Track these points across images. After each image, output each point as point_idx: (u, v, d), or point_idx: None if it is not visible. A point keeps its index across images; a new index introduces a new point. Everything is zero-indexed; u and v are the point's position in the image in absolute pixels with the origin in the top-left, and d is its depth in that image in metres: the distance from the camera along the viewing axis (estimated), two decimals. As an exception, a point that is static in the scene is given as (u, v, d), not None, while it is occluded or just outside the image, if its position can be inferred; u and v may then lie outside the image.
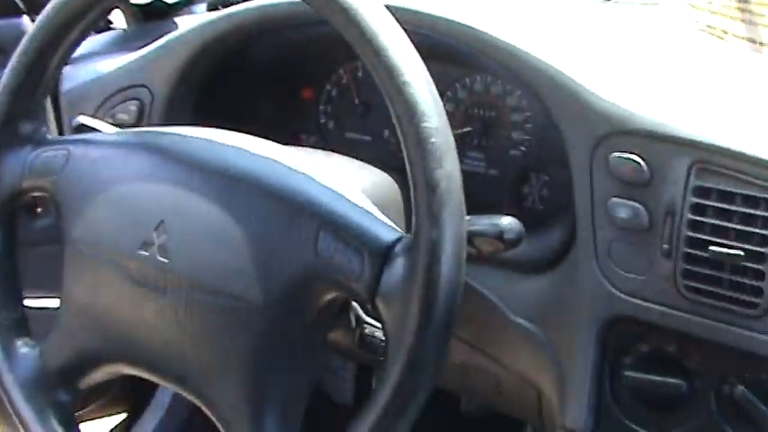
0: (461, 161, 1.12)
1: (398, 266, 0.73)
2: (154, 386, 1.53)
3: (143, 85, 1.18)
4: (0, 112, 0.92)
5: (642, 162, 0.86)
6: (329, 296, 0.78)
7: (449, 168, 0.71)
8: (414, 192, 0.71)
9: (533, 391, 1.04)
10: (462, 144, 1.13)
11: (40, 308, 1.38)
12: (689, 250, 0.84)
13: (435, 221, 0.70)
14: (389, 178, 1.02)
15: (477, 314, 1.03)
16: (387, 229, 0.76)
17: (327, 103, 1.25)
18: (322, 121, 1.26)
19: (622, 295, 0.89)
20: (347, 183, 0.81)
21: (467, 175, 1.11)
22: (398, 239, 0.74)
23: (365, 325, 0.89)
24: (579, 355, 0.93)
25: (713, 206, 0.83)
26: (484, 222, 0.79)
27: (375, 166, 1.05)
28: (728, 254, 0.81)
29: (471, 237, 0.78)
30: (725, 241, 0.82)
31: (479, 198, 1.09)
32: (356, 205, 0.77)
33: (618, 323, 0.91)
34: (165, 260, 0.82)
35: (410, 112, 0.71)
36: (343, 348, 0.94)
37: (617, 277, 0.89)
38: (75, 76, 1.26)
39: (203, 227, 0.81)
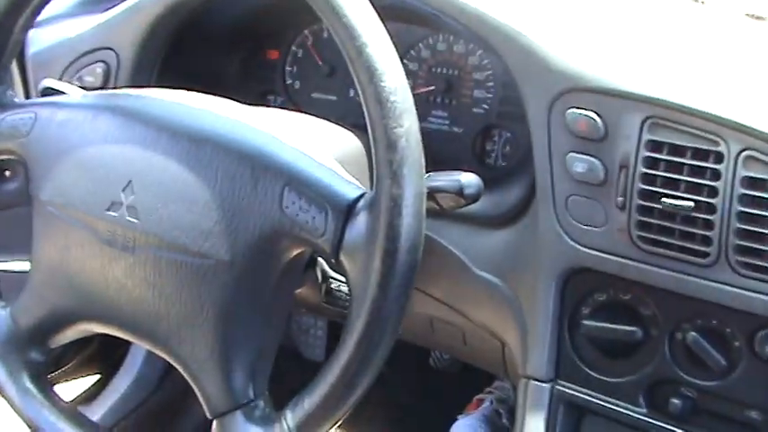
0: (426, 119, 1.15)
1: (361, 222, 0.75)
2: (126, 348, 1.54)
3: (109, 48, 1.19)
4: None
5: (597, 118, 0.88)
6: (294, 252, 0.80)
7: (408, 126, 0.73)
8: (374, 149, 0.73)
9: (497, 342, 1.07)
10: (426, 103, 1.15)
11: (10, 270, 1.39)
12: (642, 202, 0.87)
13: (396, 178, 0.72)
14: (354, 137, 1.04)
15: (443, 269, 1.06)
16: (349, 186, 0.78)
17: (293, 63, 1.26)
18: (288, 81, 1.27)
19: (580, 247, 0.92)
20: (311, 141, 0.83)
21: (431, 133, 1.14)
22: (360, 196, 0.76)
23: (331, 280, 0.91)
24: (540, 306, 0.96)
25: (665, 159, 0.85)
26: (444, 178, 0.81)
27: (341, 124, 1.07)
28: (679, 205, 0.84)
29: (432, 193, 0.80)
30: (676, 193, 0.85)
31: (443, 155, 1.11)
32: (320, 163, 0.79)
33: (576, 274, 0.94)
34: (134, 220, 0.83)
35: (369, 72, 0.73)
36: (311, 304, 0.96)
37: (574, 230, 0.92)
38: (41, 38, 1.26)
39: (170, 187, 0.82)
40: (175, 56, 1.20)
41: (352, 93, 1.22)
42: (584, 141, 0.89)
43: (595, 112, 0.88)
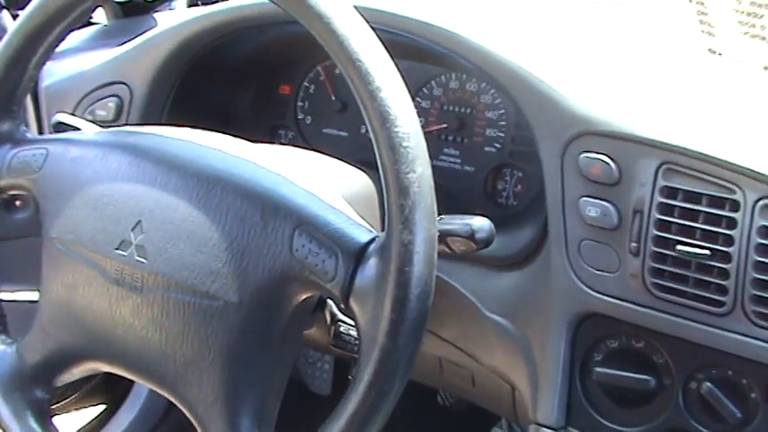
0: (437, 157, 1.15)
1: (371, 268, 0.74)
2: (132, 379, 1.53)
3: (122, 82, 1.19)
4: None
5: (611, 162, 0.88)
6: (304, 295, 0.79)
7: (420, 172, 0.72)
8: (386, 195, 0.73)
9: (507, 386, 1.06)
10: (438, 141, 1.15)
11: (19, 300, 1.38)
12: (656, 249, 0.86)
13: (407, 224, 0.71)
14: (365, 176, 1.03)
15: (453, 310, 1.05)
16: (360, 230, 0.77)
17: (305, 99, 1.26)
18: (299, 116, 1.27)
19: (592, 292, 0.91)
20: (322, 183, 0.82)
21: (442, 171, 1.13)
22: (372, 240, 0.75)
23: (340, 323, 0.90)
24: (551, 350, 0.95)
25: (680, 206, 0.84)
26: (456, 222, 0.80)
27: (351, 161, 1.06)
28: (695, 253, 0.83)
29: (444, 236, 0.79)
30: (691, 240, 0.84)
31: (454, 193, 1.11)
32: (331, 206, 0.78)
33: (588, 320, 0.93)
34: (143, 260, 0.83)
35: (382, 117, 0.72)
36: (318, 344, 0.95)
37: (587, 274, 0.91)
38: (55, 71, 1.26)
39: (180, 227, 0.82)
40: (188, 90, 1.20)
41: (363, 129, 1.22)
42: (598, 186, 0.89)
43: (609, 157, 0.88)
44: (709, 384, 0.86)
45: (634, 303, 0.89)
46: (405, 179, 0.71)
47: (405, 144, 0.72)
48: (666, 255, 0.85)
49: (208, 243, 0.80)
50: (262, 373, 0.80)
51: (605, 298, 0.90)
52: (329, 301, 0.90)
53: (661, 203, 0.85)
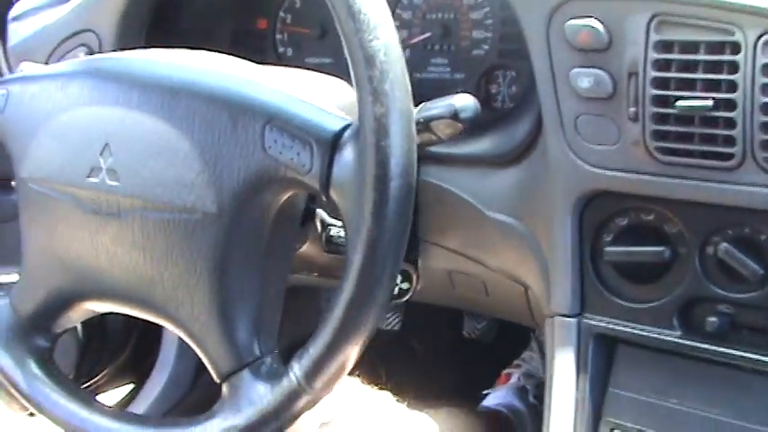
0: (425, 69, 1.10)
1: (348, 153, 0.70)
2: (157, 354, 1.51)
3: (89, 30, 1.15)
4: None
5: (600, 25, 0.82)
6: (284, 195, 0.76)
7: (385, 39, 0.68)
8: (353, 68, 0.69)
9: (520, 287, 1.01)
10: (424, 51, 1.10)
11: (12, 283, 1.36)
12: (656, 109, 0.80)
13: (377, 96, 0.67)
14: (344, 82, 0.99)
15: (455, 217, 1.01)
16: (333, 118, 0.73)
17: (283, 30, 1.22)
18: (280, 50, 1.22)
19: (594, 169, 0.86)
20: (291, 80, 0.78)
21: (432, 83, 1.09)
22: (346, 127, 0.72)
23: (330, 227, 0.87)
24: (558, 239, 0.90)
25: (677, 59, 0.79)
26: (438, 105, 0.77)
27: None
28: (696, 106, 0.78)
29: (428, 122, 0.76)
30: (692, 94, 0.78)
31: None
32: (300, 99, 0.75)
33: (593, 199, 0.88)
34: (115, 183, 0.80)
35: None
36: (315, 263, 0.91)
37: (587, 151, 0.86)
38: (19, 31, 1.23)
39: (148, 143, 0.78)
40: (160, 32, 1.16)
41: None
42: (588, 54, 0.83)
43: (597, 20, 0.82)
44: (726, 245, 0.81)
45: (639, 173, 0.83)
46: (369, 47, 0.67)
47: (364, 11, 0.68)
48: (668, 114, 0.80)
49: (178, 155, 0.77)
50: (252, 284, 0.77)
51: (609, 173, 0.85)
52: (319, 211, 0.87)
53: (656, 60, 0.80)
